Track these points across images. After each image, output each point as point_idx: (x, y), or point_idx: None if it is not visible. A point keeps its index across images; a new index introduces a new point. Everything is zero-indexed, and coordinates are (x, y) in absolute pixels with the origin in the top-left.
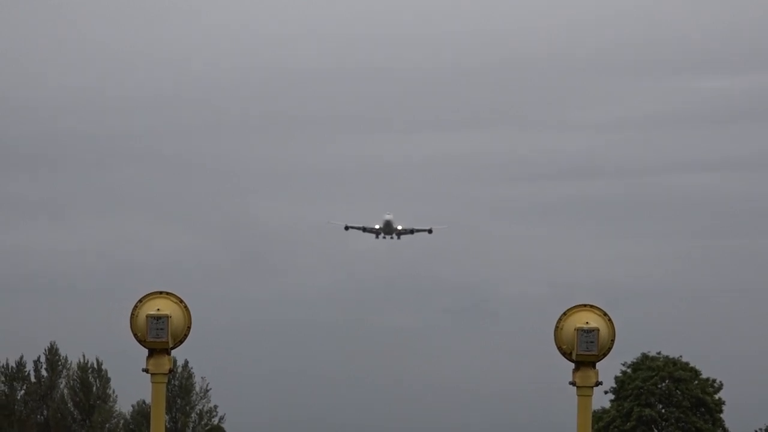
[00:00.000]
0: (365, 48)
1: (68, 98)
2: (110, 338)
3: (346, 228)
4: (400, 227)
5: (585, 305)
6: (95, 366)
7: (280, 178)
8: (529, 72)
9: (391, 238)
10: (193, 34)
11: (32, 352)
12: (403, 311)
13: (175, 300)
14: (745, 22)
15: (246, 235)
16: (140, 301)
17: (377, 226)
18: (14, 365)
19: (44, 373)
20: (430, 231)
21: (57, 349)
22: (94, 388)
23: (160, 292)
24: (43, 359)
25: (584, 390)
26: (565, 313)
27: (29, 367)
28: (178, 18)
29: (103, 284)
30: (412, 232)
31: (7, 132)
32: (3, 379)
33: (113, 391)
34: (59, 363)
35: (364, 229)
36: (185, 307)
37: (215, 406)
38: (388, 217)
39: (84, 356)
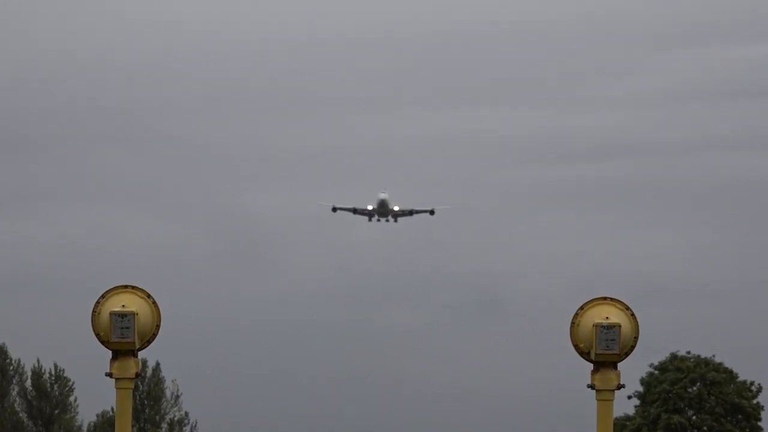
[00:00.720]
0: (366, 18)
1: (36, 68)
2: (72, 339)
3: (334, 209)
4: (396, 208)
5: (605, 298)
6: (52, 372)
7: (274, 162)
8: (549, 42)
9: (387, 220)
10: (180, 6)
11: None
12: (403, 308)
13: (143, 295)
14: None
15: (233, 225)
16: (103, 296)
17: (370, 207)
18: None
19: None
20: (431, 212)
21: (7, 351)
22: (53, 398)
23: (126, 286)
24: None
25: (604, 394)
26: (582, 308)
27: None
28: None
29: (68, 279)
30: (411, 213)
31: None
32: None
33: (75, 399)
34: (11, 368)
35: (355, 211)
36: (153, 302)
37: (186, 413)
38: (383, 195)
39: (39, 361)
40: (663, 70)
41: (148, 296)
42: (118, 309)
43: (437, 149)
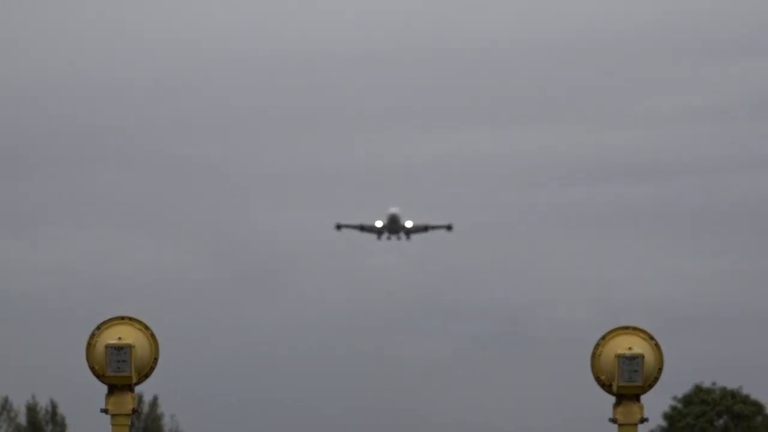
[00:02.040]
0: (383, 32)
1: (33, 86)
2: (65, 373)
3: (338, 227)
4: (409, 224)
5: (628, 327)
6: (49, 409)
7: (282, 181)
8: (574, 58)
9: (398, 238)
10: (190, 19)
11: None
12: (418, 337)
13: (140, 327)
14: None
15: (237, 248)
16: (98, 328)
17: (379, 224)
18: None
19: None
20: (449, 227)
21: None
22: None
23: (122, 318)
24: None
25: (627, 429)
26: (604, 337)
27: None
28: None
29: (62, 308)
30: (425, 229)
31: None
32: None
33: None
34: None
35: (362, 228)
36: (152, 335)
37: None
38: (393, 210)
39: (34, 397)
40: (686, 88)
41: (146, 328)
42: (114, 341)
43: (452, 168)
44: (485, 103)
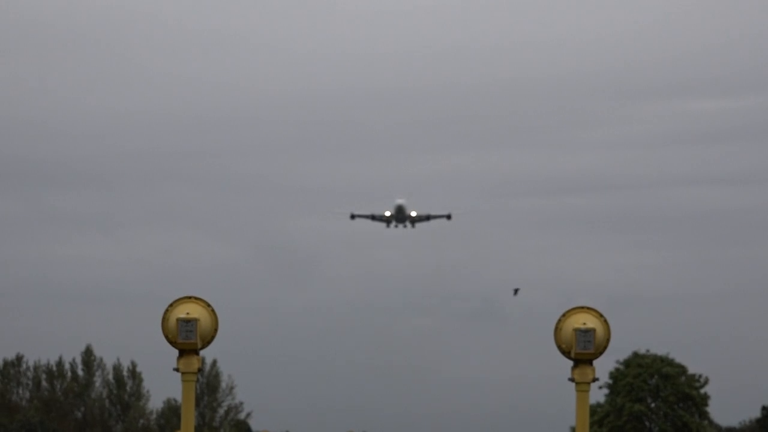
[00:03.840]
0: (401, 68)
1: (118, 120)
2: (146, 339)
3: (352, 217)
4: (414, 213)
5: (583, 307)
6: (130, 367)
7: (313, 195)
8: (538, 95)
9: (404, 226)
10: (237, 57)
11: (73, 354)
12: (422, 316)
13: (203, 304)
14: (735, 46)
15: (278, 246)
16: (171, 305)
17: (388, 213)
18: (54, 365)
19: (80, 372)
20: (449, 217)
21: (92, 351)
22: (128, 387)
23: (189, 297)
24: (78, 360)
25: (582, 386)
26: (564, 315)
27: (67, 367)
28: (223, 44)
29: (142, 291)
30: (428, 218)
31: (69, 152)
32: (45, 377)
33: (147, 391)
34: (94, 363)
35: (373, 217)
36: (212, 311)
37: (241, 403)
38: (400, 201)
39: (119, 359)
40: (632, 121)
41: (208, 305)
42: (183, 316)
43: (445, 183)
44: (473, 131)
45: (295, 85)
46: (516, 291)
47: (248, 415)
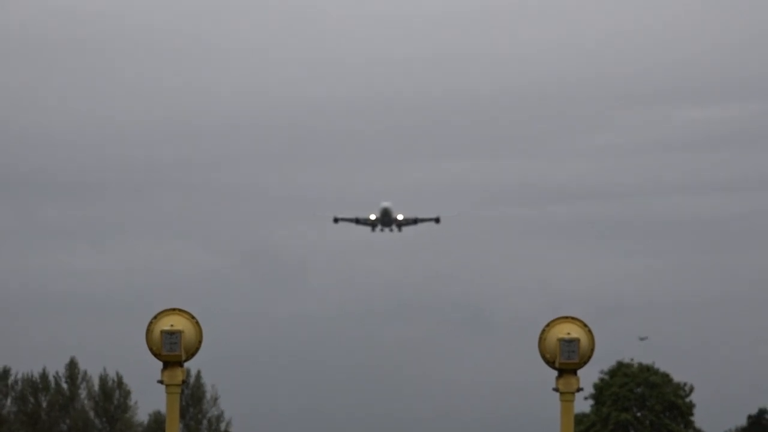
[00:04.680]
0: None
1: (111, 131)
2: (130, 351)
3: (336, 220)
4: (400, 217)
5: (567, 317)
6: (115, 379)
7: (300, 203)
8: (525, 103)
9: (391, 230)
10: (224, 66)
11: (57, 366)
12: (410, 324)
13: (188, 316)
14: (725, 53)
15: (263, 255)
16: (155, 317)
17: (373, 217)
18: (38, 377)
19: (64, 385)
20: (437, 220)
21: (76, 363)
22: (115, 399)
23: (173, 309)
24: (62, 372)
25: (566, 396)
26: (548, 325)
27: (51, 379)
28: (212, 56)
29: (127, 302)
30: (415, 222)
31: (54, 162)
32: (30, 390)
33: (135, 403)
34: (78, 375)
35: (357, 221)
36: (197, 322)
37: (222, 411)
38: (385, 204)
39: (105, 369)
40: (621, 128)
41: (192, 317)
42: (167, 328)
43: (432, 192)
44: (460, 140)
45: (283, 94)
46: (643, 338)
47: (228, 422)
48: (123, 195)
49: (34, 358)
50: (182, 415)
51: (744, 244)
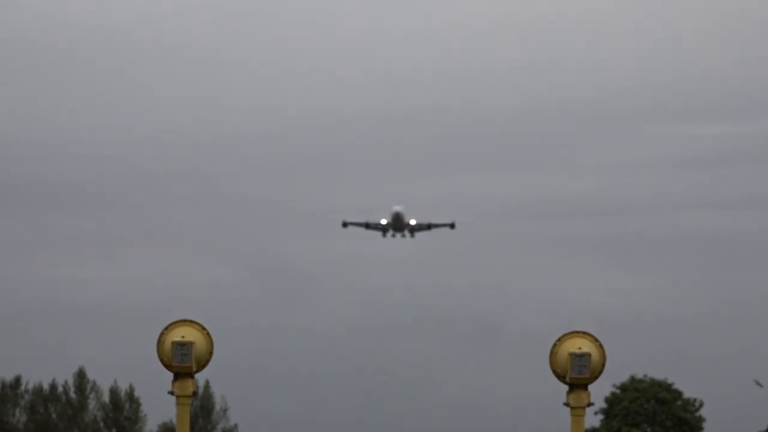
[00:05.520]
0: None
1: (122, 141)
2: (140, 362)
3: (345, 225)
4: (413, 222)
5: (578, 332)
6: (127, 390)
7: (311, 216)
8: (538, 118)
9: (403, 235)
10: (234, 77)
11: (67, 376)
12: (419, 337)
13: (199, 328)
14: (729, 71)
15: (274, 267)
16: (166, 328)
17: (384, 222)
18: (47, 387)
19: (73, 395)
20: (452, 226)
21: (85, 373)
22: (125, 411)
23: (185, 320)
24: (71, 382)
25: (577, 411)
26: (559, 339)
27: (61, 389)
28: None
29: (139, 312)
30: (429, 227)
31: (65, 172)
32: (40, 400)
33: (144, 414)
34: (87, 386)
35: (368, 226)
36: (208, 334)
37: (236, 424)
38: (397, 208)
39: (116, 382)
40: (633, 145)
41: (203, 328)
42: (178, 339)
43: (445, 205)
44: (475, 153)
45: (294, 104)
46: (759, 384)
47: (235, 425)
48: (134, 205)
49: (44, 368)
50: (192, 427)
51: (756, 260)
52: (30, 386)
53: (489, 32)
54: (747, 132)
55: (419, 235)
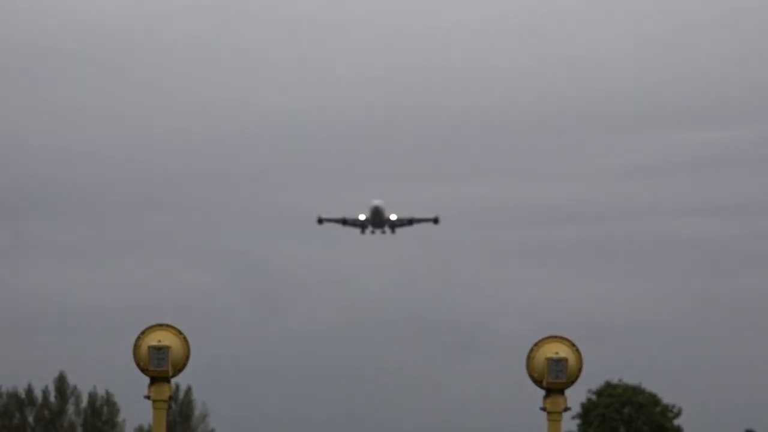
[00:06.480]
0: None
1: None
2: (118, 367)
3: (320, 221)
4: (394, 217)
5: (555, 336)
6: (104, 396)
7: (292, 223)
8: (521, 123)
9: (383, 231)
10: (217, 83)
11: (46, 382)
12: (397, 343)
13: (175, 332)
14: (719, 76)
15: (253, 273)
16: (143, 333)
17: (362, 217)
18: (23, 392)
19: (53, 399)
20: (435, 220)
21: (65, 377)
22: (103, 415)
23: (161, 325)
24: (51, 387)
25: (554, 415)
26: (536, 344)
27: (38, 394)
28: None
29: (116, 319)
30: (410, 222)
31: (45, 178)
32: (15, 405)
33: (123, 420)
34: (67, 390)
35: (345, 222)
36: (184, 338)
37: (213, 430)
38: (376, 202)
39: (95, 387)
40: (614, 151)
41: (180, 332)
42: (155, 343)
43: (427, 211)
44: (456, 159)
45: (276, 110)
46: None
47: (212, 431)
48: (112, 212)
49: (21, 374)
50: (169, 431)
51: (739, 266)
52: (4, 391)
53: (476, 36)
54: (729, 138)
55: (400, 231)
